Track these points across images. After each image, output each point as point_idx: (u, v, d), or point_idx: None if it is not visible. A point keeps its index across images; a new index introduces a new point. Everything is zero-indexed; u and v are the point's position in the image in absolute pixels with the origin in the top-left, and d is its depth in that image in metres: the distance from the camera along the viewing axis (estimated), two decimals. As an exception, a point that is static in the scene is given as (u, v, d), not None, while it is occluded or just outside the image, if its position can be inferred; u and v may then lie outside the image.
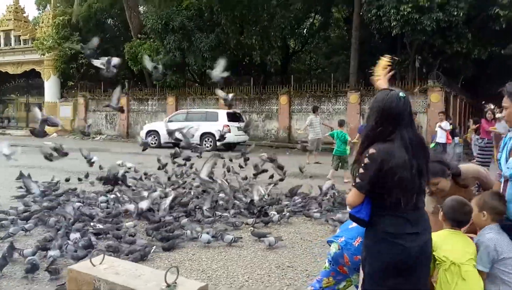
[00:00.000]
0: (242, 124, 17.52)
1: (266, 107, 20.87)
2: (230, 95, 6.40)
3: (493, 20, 15.18)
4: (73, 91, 26.95)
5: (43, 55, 25.65)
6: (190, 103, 22.87)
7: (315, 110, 13.58)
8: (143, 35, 23.35)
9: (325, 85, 19.49)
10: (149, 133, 18.26)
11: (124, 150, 16.34)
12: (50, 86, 26.96)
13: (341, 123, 9.95)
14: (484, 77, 26.37)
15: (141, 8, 27.08)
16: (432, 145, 14.10)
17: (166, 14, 20.27)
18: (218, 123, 16.67)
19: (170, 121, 17.38)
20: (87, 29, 26.29)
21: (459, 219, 2.37)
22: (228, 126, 16.64)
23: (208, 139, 16.76)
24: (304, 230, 5.49)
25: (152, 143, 18.01)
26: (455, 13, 14.37)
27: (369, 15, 16.65)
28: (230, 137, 16.68)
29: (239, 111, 18.75)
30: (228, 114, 16.97)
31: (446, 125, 13.07)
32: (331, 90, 19.28)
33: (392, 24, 15.35)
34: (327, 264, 2.57)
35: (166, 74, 22.15)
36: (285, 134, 20.08)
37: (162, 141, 17.75)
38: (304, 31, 22.44)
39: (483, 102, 36.85)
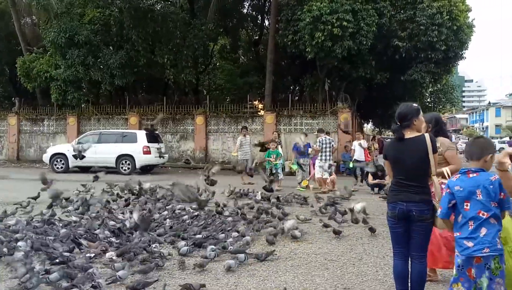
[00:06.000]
0: (161, 145, 16.85)
1: (181, 127, 20.29)
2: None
3: (394, 50, 17.08)
4: None
5: None
6: (95, 123, 21.21)
7: (243, 130, 13.61)
8: (39, 48, 21.12)
9: (242, 106, 19.72)
10: (54, 156, 16.40)
11: (28, 177, 14.15)
12: None
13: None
14: (369, 100, 29.33)
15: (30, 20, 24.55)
16: (351, 164, 15.14)
17: (70, 27, 18.62)
18: (137, 144, 15.75)
19: (79, 143, 15.87)
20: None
21: None
22: (148, 147, 15.84)
23: (126, 162, 15.70)
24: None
25: (58, 168, 16.28)
26: (364, 42, 15.83)
27: (285, 39, 17.44)
28: (150, 159, 15.95)
29: (157, 132, 17.94)
30: (147, 135, 16.12)
31: (364, 143, 14.16)
32: (247, 111, 19.59)
33: (307, 49, 16.25)
34: (454, 271, 2.75)
35: (66, 91, 20.31)
36: (201, 155, 19.73)
37: (70, 165, 16.12)
38: (216, 52, 22.62)
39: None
